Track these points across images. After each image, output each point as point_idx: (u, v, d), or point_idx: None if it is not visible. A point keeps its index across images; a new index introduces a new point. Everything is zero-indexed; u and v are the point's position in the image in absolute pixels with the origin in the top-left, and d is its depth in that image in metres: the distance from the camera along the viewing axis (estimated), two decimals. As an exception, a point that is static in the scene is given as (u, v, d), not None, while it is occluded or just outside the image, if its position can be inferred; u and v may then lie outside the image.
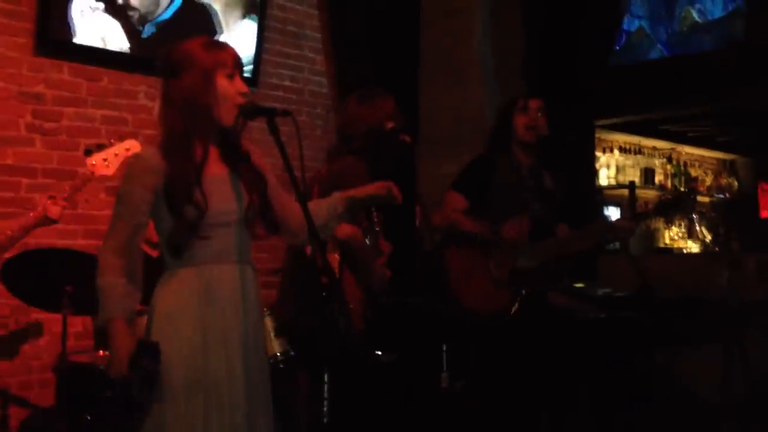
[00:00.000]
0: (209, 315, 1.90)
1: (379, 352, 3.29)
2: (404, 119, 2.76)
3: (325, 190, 2.51)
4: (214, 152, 1.97)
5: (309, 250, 2.68)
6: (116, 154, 2.71)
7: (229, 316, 1.92)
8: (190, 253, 1.90)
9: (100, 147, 2.71)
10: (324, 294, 2.07)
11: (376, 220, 2.71)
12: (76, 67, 3.72)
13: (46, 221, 2.66)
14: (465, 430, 2.79)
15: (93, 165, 2.68)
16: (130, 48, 3.80)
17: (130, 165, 1.97)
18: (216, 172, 1.95)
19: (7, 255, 2.84)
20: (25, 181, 3.53)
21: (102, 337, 3.00)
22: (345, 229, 2.75)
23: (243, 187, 1.97)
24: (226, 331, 1.91)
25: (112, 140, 2.76)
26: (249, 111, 1.97)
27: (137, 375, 1.80)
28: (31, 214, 2.67)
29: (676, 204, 2.98)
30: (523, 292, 2.83)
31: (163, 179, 1.88)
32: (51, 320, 3.38)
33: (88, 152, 2.69)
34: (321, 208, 2.12)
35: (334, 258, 2.90)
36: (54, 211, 2.64)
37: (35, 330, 3.45)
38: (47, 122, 3.63)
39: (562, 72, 4.86)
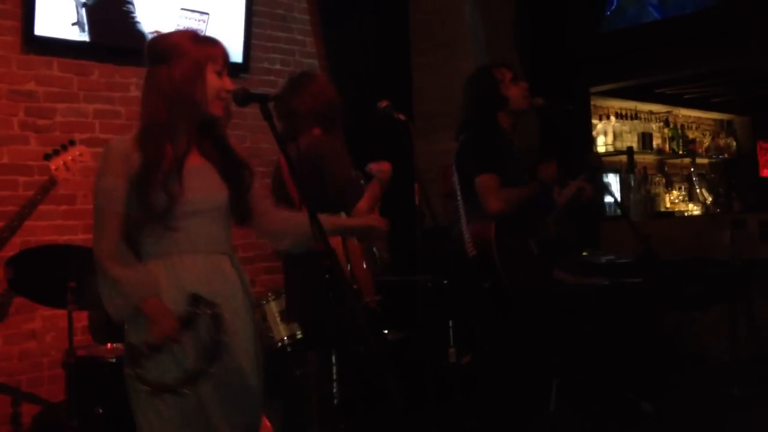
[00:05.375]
0: (179, 304, 1.90)
1: (386, 331, 3.31)
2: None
3: (302, 167, 2.52)
4: (193, 143, 1.97)
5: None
6: (72, 159, 2.73)
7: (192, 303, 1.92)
8: (164, 242, 1.90)
9: (56, 152, 2.73)
10: (328, 276, 2.06)
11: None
12: (65, 62, 3.69)
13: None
14: (476, 403, 2.81)
15: (56, 170, 2.70)
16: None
17: (101, 157, 1.93)
18: (193, 162, 1.96)
19: (9, 254, 2.84)
20: (21, 179, 3.51)
21: (102, 330, 3.02)
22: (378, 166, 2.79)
23: (220, 178, 1.98)
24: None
25: (64, 144, 2.77)
26: (242, 97, 1.96)
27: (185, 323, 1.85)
28: None
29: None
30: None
31: (135, 167, 1.87)
32: (56, 316, 3.38)
33: (48, 157, 2.71)
34: (301, 221, 1.99)
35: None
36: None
37: (42, 327, 3.47)
38: (40, 119, 3.61)
39: (554, 40, 4.83)
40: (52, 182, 2.70)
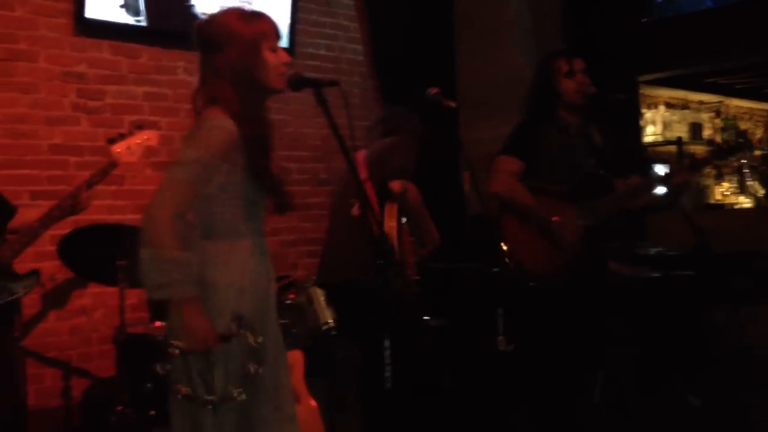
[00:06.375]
0: (265, 281, 1.95)
1: (427, 318, 3.31)
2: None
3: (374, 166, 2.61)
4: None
5: (356, 209, 2.73)
6: (138, 143, 2.75)
7: (271, 299, 1.98)
8: (246, 224, 1.91)
9: (122, 136, 2.76)
10: (380, 260, 2.07)
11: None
12: (115, 45, 3.75)
13: (76, 209, 2.69)
14: (518, 393, 2.79)
15: (118, 153, 2.72)
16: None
17: (214, 134, 1.85)
18: None
19: (62, 231, 2.90)
20: (72, 159, 3.59)
21: (159, 307, 3.07)
22: (398, 184, 2.84)
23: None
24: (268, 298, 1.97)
25: (132, 130, 2.80)
26: (296, 82, 1.96)
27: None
28: (60, 202, 2.69)
29: (735, 145, 2.87)
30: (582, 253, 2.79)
31: (240, 152, 1.86)
32: (105, 293, 3.45)
33: (112, 141, 2.74)
34: None
35: (393, 209, 2.96)
36: (85, 197, 2.68)
37: (92, 303, 3.55)
38: (91, 101, 3.68)
39: (602, 27, 4.74)
40: (113, 165, 2.73)
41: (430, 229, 3.27)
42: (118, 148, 2.73)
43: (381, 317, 2.23)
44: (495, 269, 2.66)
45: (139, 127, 2.81)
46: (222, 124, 1.86)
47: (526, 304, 2.68)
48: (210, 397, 1.81)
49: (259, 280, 1.93)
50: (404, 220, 3.12)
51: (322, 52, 4.59)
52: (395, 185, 3.01)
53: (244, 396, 1.82)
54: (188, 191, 1.82)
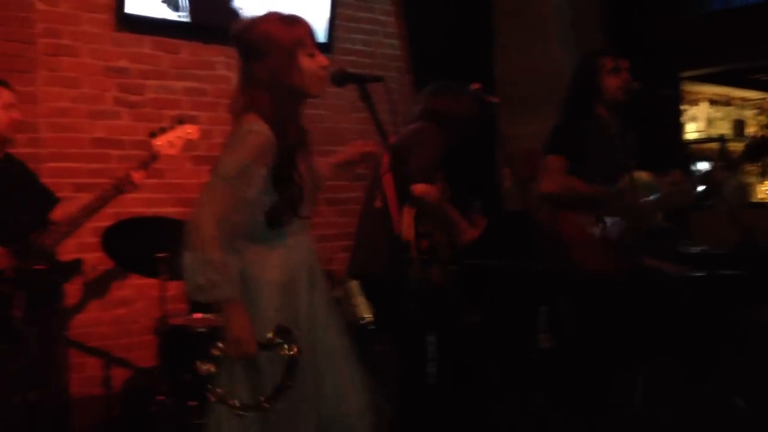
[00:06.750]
0: (314, 281, 1.98)
1: (464, 314, 3.28)
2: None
3: (394, 157, 2.59)
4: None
5: (379, 202, 2.72)
6: (179, 137, 2.79)
7: (308, 283, 1.98)
8: (288, 226, 1.94)
9: (163, 130, 2.80)
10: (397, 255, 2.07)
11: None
12: (156, 40, 3.79)
13: (125, 188, 2.73)
14: (561, 391, 2.76)
15: (159, 146, 2.77)
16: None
17: (251, 138, 1.88)
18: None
19: (105, 223, 2.94)
20: (114, 152, 3.64)
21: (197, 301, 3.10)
22: (420, 187, 2.79)
23: (316, 161, 2.04)
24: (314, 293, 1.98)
25: (173, 124, 2.83)
26: (340, 78, 1.96)
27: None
28: (111, 183, 2.75)
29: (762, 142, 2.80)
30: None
31: (273, 159, 1.90)
32: (146, 285, 3.50)
33: (153, 135, 2.78)
34: None
35: (410, 213, 2.94)
36: (137, 176, 2.73)
37: (132, 295, 3.60)
38: (132, 95, 3.72)
39: (643, 22, 4.66)
40: (154, 158, 2.77)
41: (456, 228, 3.19)
42: (159, 141, 2.77)
43: (408, 311, 2.22)
44: (538, 266, 2.63)
45: (180, 121, 2.84)
46: (258, 129, 1.89)
47: (577, 302, 2.65)
48: (236, 403, 1.82)
49: (301, 278, 1.94)
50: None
51: (359, 47, 4.59)
52: (416, 188, 2.82)
53: (272, 406, 1.82)
54: (229, 197, 1.84)
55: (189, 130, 2.81)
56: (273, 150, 1.89)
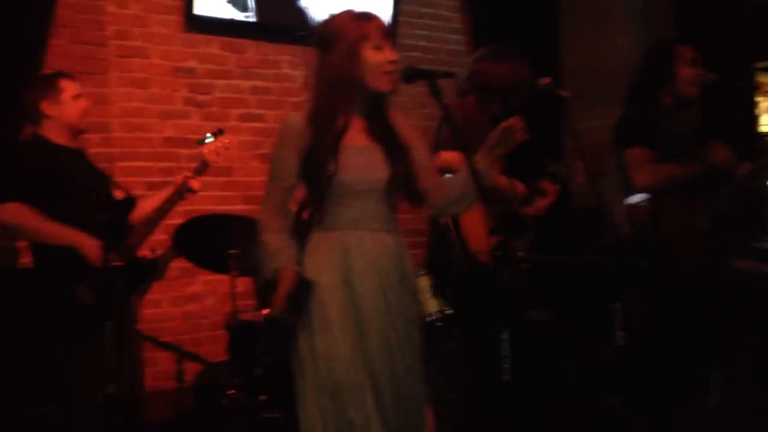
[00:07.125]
0: (351, 274, 1.95)
1: (530, 311, 3.22)
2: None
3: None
4: (359, 123, 1.99)
5: None
6: (225, 147, 2.90)
7: (367, 284, 1.95)
8: (330, 218, 1.96)
9: (208, 138, 2.88)
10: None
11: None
12: (224, 40, 3.86)
13: (185, 195, 2.81)
14: (632, 388, 2.68)
15: (207, 154, 2.87)
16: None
17: (280, 130, 2.02)
18: (358, 142, 1.98)
19: (177, 221, 3.00)
20: (183, 152, 3.72)
21: (266, 294, 3.14)
22: (446, 156, 2.66)
23: (387, 159, 1.99)
24: (365, 299, 1.95)
25: (215, 132, 2.92)
26: (409, 74, 1.95)
27: (290, 304, 1.92)
28: (170, 187, 2.83)
29: None
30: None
31: (306, 145, 1.94)
32: (215, 281, 3.57)
33: (201, 142, 2.88)
34: (452, 184, 2.07)
35: (479, 209, 2.87)
36: (196, 184, 2.82)
37: (203, 290, 3.68)
38: (201, 95, 3.80)
39: (716, 11, 4.50)
40: (206, 165, 2.86)
41: (515, 199, 2.97)
42: (206, 149, 2.87)
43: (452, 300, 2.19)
44: (616, 262, 2.55)
45: (221, 131, 2.92)
46: (289, 119, 2.00)
47: (667, 298, 2.57)
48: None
49: (337, 267, 1.94)
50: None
51: (423, 43, 4.57)
52: (440, 156, 2.56)
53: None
54: (275, 187, 2.00)
55: (228, 140, 2.91)
56: (301, 137, 1.94)
